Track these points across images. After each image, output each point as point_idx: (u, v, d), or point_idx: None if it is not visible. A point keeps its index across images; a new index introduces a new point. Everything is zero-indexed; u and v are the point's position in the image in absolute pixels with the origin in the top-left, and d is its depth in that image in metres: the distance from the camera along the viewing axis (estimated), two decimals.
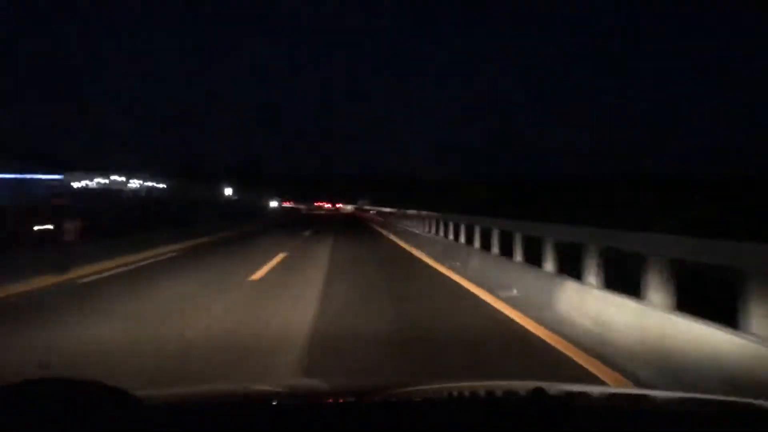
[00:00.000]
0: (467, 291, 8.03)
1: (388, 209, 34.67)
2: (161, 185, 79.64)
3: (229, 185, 68.87)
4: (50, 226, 11.19)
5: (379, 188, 75.85)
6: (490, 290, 7.61)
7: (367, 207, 53.57)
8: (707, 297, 5.12)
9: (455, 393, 1.71)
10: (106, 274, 9.21)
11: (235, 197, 66.63)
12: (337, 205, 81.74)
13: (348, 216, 53.85)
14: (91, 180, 78.60)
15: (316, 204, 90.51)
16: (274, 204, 67.01)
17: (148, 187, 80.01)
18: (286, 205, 77.97)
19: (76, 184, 66.95)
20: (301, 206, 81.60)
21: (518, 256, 8.17)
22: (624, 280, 5.14)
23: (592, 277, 5.54)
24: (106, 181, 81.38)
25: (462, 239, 11.94)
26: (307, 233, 21.89)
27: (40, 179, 41.17)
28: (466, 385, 1.92)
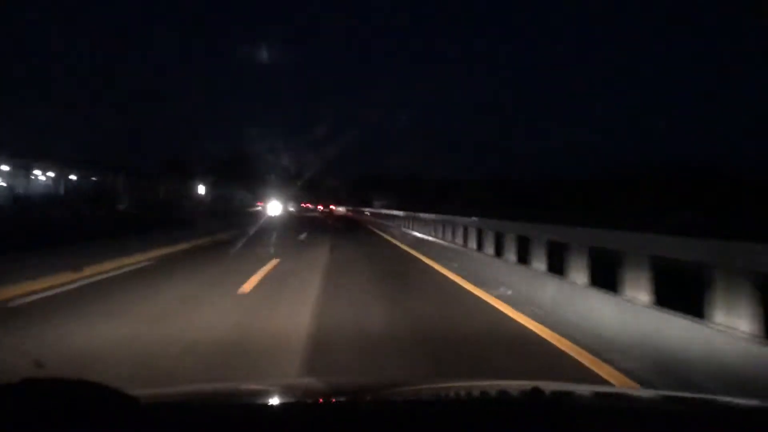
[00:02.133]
0: None
1: (401, 213, 23.90)
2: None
3: (205, 182, 54.10)
4: None
5: (377, 189, 71.77)
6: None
7: (385, 211, 33.27)
8: None
9: (453, 393, 1.72)
10: None
11: (207, 197, 52.27)
12: (331, 207, 74.40)
13: (346, 221, 40.53)
14: None
15: (303, 205, 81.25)
16: (274, 207, 50.34)
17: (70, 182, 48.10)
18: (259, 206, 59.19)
19: None
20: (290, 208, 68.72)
21: None
22: None
23: None
24: None
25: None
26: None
27: None
28: (465, 384, 1.90)
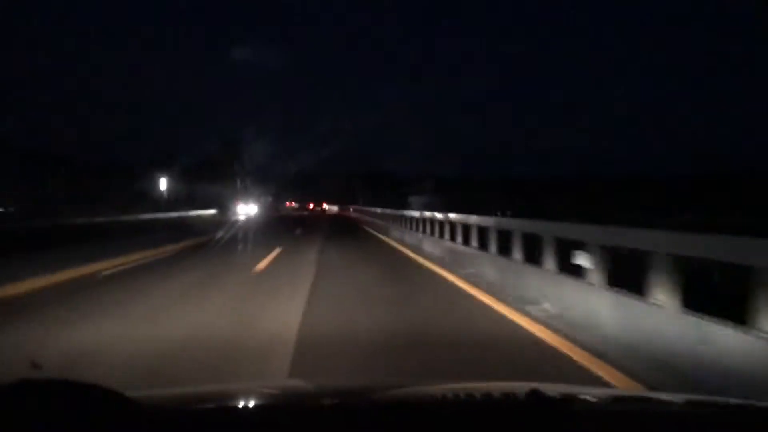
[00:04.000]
0: None
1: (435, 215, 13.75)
2: None
3: (168, 177, 43.66)
4: None
5: (376, 188, 69.24)
6: None
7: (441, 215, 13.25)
8: None
9: (451, 394, 1.69)
10: None
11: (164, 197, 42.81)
12: (323, 206, 71.17)
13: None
14: None
15: (288, 205, 76.42)
16: (248, 209, 42.91)
17: None
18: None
19: None
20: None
21: None
22: None
23: None
24: None
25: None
26: None
27: None
28: (462, 386, 1.88)
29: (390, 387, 1.92)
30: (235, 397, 1.69)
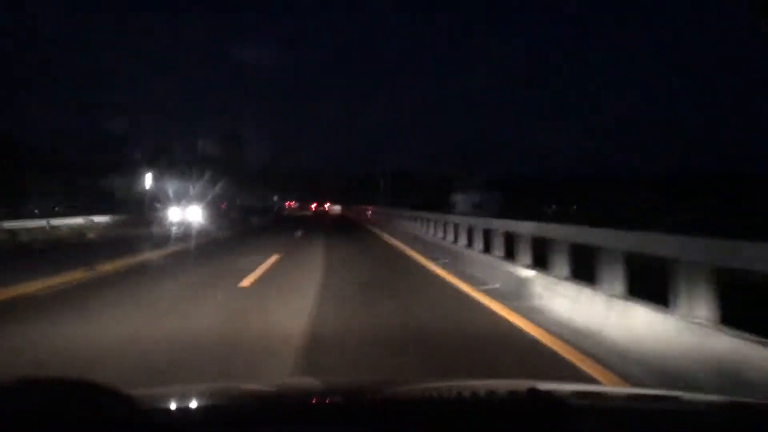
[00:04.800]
0: None
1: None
2: None
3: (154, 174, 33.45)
4: None
5: (375, 188, 68.78)
6: None
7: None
8: None
9: (448, 393, 1.70)
10: None
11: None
12: (326, 206, 69.60)
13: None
14: None
15: (287, 204, 76.82)
16: (186, 214, 25.23)
17: None
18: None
19: None
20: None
21: None
22: None
23: None
24: None
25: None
26: None
27: None
28: (460, 384, 1.90)
29: (391, 385, 1.91)
30: (236, 395, 1.68)
